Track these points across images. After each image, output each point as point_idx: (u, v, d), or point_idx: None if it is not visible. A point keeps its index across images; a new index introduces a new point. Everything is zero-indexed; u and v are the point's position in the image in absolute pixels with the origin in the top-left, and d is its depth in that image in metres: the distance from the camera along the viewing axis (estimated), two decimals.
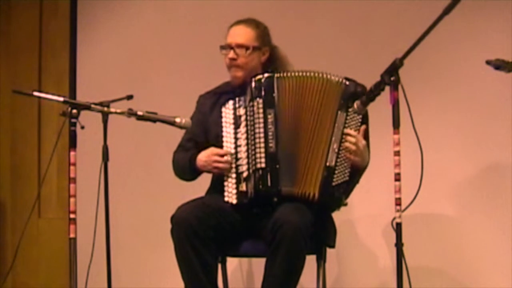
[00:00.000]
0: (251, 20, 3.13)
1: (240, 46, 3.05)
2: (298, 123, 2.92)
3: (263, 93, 2.93)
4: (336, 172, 2.87)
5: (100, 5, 4.36)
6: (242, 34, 3.07)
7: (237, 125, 2.97)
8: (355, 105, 2.76)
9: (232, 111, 2.99)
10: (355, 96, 2.86)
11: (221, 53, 3.11)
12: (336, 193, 2.87)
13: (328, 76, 2.94)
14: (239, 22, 3.12)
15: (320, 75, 2.95)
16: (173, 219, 2.84)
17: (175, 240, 2.82)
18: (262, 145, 2.89)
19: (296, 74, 2.96)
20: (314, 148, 2.89)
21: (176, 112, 3.05)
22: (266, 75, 2.97)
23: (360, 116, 2.90)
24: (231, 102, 3.00)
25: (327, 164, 2.87)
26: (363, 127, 2.91)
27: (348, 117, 2.90)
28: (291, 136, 2.91)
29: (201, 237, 2.79)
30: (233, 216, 2.93)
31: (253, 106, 2.93)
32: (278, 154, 2.88)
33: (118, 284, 3.36)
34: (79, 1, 4.42)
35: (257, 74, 2.98)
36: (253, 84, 2.96)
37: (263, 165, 2.88)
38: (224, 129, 2.99)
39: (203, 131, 3.11)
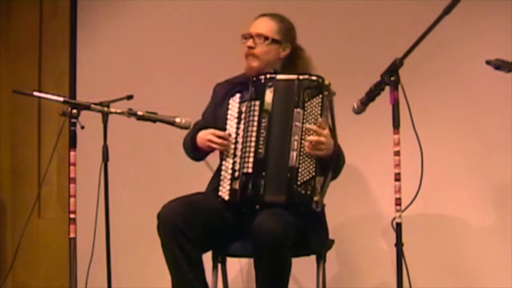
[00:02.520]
0: (277, 15, 3.11)
1: (259, 35, 3.04)
2: (284, 127, 2.88)
3: (261, 95, 2.91)
4: (300, 170, 2.82)
5: (100, 5, 4.36)
6: (264, 25, 3.06)
7: (239, 120, 2.96)
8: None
9: (237, 105, 2.98)
10: (309, 91, 2.85)
11: (241, 42, 3.08)
12: (303, 192, 2.80)
13: (290, 77, 2.92)
14: (265, 15, 3.11)
15: (287, 77, 2.92)
16: (158, 216, 2.84)
17: (161, 237, 2.82)
18: (252, 149, 2.87)
19: (287, 77, 2.93)
20: (285, 151, 2.85)
21: (176, 112, 3.05)
22: (268, 75, 2.94)
23: (319, 109, 2.85)
24: (238, 95, 2.99)
25: (289, 164, 2.83)
26: (320, 120, 2.84)
27: (306, 112, 2.86)
28: (278, 141, 2.88)
29: (186, 234, 2.78)
30: (223, 214, 2.92)
31: (250, 106, 2.92)
32: (267, 161, 2.86)
33: (118, 284, 3.36)
34: (79, 1, 4.42)
35: (260, 71, 2.97)
36: (253, 82, 2.94)
37: (250, 170, 2.86)
38: (228, 121, 2.98)
39: (213, 120, 3.10)
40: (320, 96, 2.87)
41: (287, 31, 3.09)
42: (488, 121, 3.56)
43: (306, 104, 2.86)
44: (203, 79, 3.46)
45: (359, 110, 2.75)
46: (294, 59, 3.10)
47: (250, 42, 3.05)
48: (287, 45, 3.08)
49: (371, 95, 2.67)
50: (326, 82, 2.90)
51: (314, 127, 2.83)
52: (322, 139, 2.82)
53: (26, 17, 4.54)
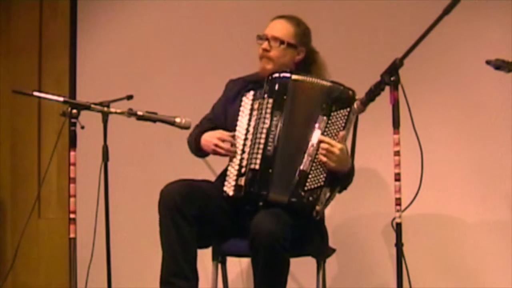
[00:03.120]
0: (294, 18, 3.11)
1: (275, 39, 3.03)
2: (297, 129, 2.89)
3: (275, 93, 2.90)
4: (310, 176, 2.82)
5: (100, 5, 4.36)
6: (280, 28, 3.05)
7: (250, 117, 2.96)
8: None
9: (250, 102, 2.98)
10: (339, 101, 2.86)
11: (257, 42, 3.07)
12: (307, 198, 2.81)
13: (322, 82, 2.92)
14: (281, 17, 3.10)
15: (316, 80, 2.92)
16: (160, 193, 2.87)
17: (159, 214, 2.86)
18: (261, 146, 2.87)
19: (309, 79, 2.93)
20: (299, 153, 2.86)
21: (176, 112, 3.05)
22: (282, 74, 2.93)
23: (343, 121, 2.86)
24: (251, 93, 2.99)
25: (301, 168, 2.83)
26: (342, 133, 2.84)
27: (330, 121, 2.86)
28: (290, 141, 2.88)
29: (183, 213, 2.80)
30: (224, 206, 2.92)
31: (262, 104, 2.92)
32: (275, 158, 2.85)
33: (118, 284, 3.36)
34: (79, 1, 4.42)
35: (275, 72, 2.96)
36: (269, 81, 2.93)
37: (257, 166, 2.86)
38: (239, 118, 2.99)
39: (223, 115, 3.10)
40: (348, 109, 2.87)
41: (303, 36, 3.08)
42: (488, 121, 3.56)
43: (332, 114, 2.86)
44: (203, 79, 3.47)
45: (359, 110, 2.75)
46: (308, 63, 3.10)
47: (265, 45, 3.04)
48: (302, 49, 3.08)
49: (371, 95, 2.67)
50: (357, 97, 2.87)
51: (327, 138, 2.83)
52: (336, 150, 2.81)
53: (26, 17, 4.54)
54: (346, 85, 2.92)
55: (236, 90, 3.13)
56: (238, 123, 2.98)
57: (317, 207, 2.82)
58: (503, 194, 3.49)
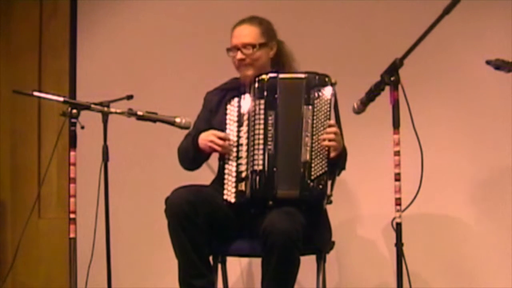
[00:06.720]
0: (254, 18, 3.12)
1: (246, 45, 3.05)
2: (293, 124, 2.91)
3: (265, 94, 2.93)
4: (313, 165, 2.85)
5: (100, 5, 4.36)
6: (247, 34, 3.07)
7: (240, 123, 2.97)
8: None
9: (236, 109, 2.99)
10: (316, 88, 2.90)
11: (228, 55, 3.09)
12: (316, 186, 2.84)
13: (300, 75, 2.96)
14: (242, 22, 3.11)
15: (298, 75, 2.97)
16: (167, 201, 2.87)
17: (168, 221, 2.86)
18: (261, 146, 2.89)
19: (293, 75, 2.98)
20: (297, 147, 2.88)
21: (176, 112, 3.05)
22: (270, 75, 2.96)
23: (327, 107, 2.90)
24: (236, 100, 3.00)
25: (302, 159, 2.86)
26: (330, 122, 2.89)
27: (315, 109, 2.90)
28: (289, 138, 2.90)
29: (192, 219, 2.81)
30: (228, 211, 2.93)
31: (254, 106, 2.93)
32: (277, 157, 2.88)
33: (118, 284, 3.36)
34: (79, 1, 4.42)
35: (261, 74, 2.98)
36: (256, 84, 2.95)
37: (260, 167, 2.87)
38: (228, 126, 2.99)
39: (209, 127, 3.10)
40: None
41: (269, 31, 3.10)
42: (488, 121, 3.56)
43: (315, 102, 2.90)
44: (203, 79, 3.45)
45: (359, 110, 2.76)
46: (279, 56, 3.13)
47: (239, 55, 3.05)
48: (273, 43, 3.11)
49: (371, 95, 2.68)
50: (333, 80, 2.94)
51: (332, 122, 2.89)
52: (334, 136, 2.86)
53: (26, 17, 4.54)
54: (320, 72, 2.96)
55: (216, 100, 3.14)
56: (228, 131, 2.98)
57: (327, 193, 2.87)
58: (503, 194, 3.49)
